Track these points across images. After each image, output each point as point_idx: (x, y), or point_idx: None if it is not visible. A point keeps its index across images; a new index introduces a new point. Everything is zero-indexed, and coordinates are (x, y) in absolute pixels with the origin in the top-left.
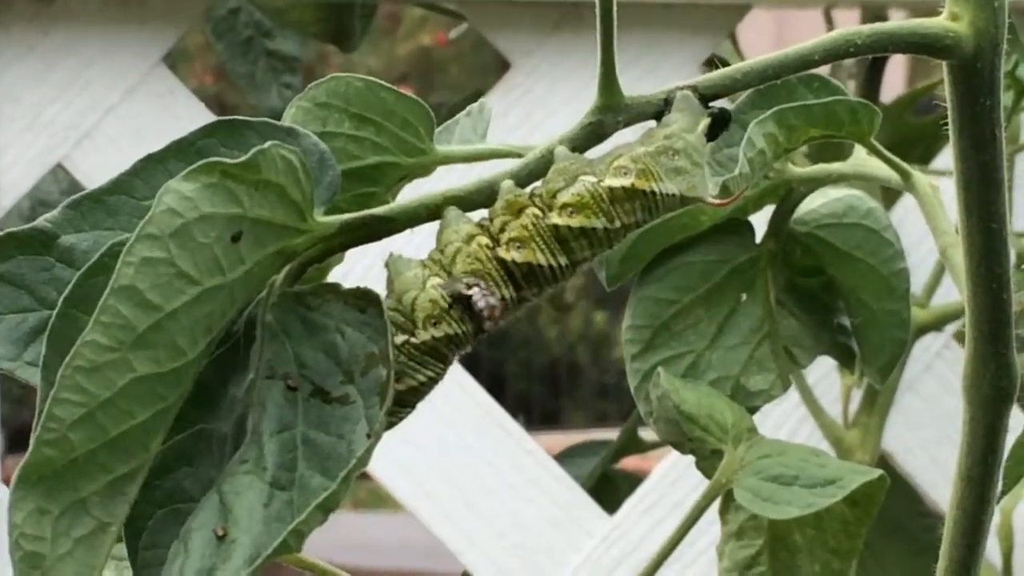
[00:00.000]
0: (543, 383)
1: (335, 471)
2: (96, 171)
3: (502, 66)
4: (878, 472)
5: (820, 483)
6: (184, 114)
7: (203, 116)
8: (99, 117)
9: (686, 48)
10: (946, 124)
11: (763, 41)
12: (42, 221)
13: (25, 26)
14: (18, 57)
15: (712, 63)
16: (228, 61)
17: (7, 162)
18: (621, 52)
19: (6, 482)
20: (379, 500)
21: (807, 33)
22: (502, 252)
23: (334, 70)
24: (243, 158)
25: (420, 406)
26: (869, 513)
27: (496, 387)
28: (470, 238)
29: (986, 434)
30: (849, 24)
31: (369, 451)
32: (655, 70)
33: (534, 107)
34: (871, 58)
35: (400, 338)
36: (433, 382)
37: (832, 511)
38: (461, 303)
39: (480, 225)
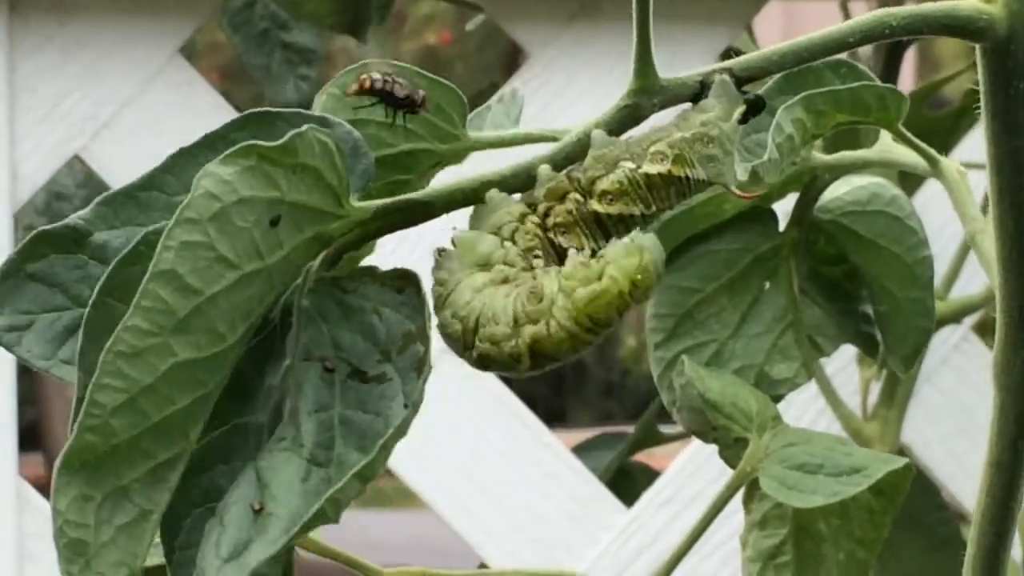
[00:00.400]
0: (548, 381)
1: (372, 446)
2: (114, 162)
3: (507, 65)
4: (903, 461)
5: (846, 471)
6: (202, 105)
7: (221, 107)
8: (116, 108)
9: (703, 39)
10: (966, 114)
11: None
12: (74, 218)
13: (42, 17)
14: (35, 48)
15: (729, 55)
16: (244, 53)
17: (24, 153)
18: None
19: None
20: (385, 499)
21: (815, 26)
22: (550, 236)
23: (338, 68)
24: (280, 141)
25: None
26: (894, 502)
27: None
28: (523, 217)
29: (1016, 420)
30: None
31: (407, 421)
32: (672, 61)
33: (552, 98)
34: (888, 50)
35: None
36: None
37: (857, 500)
38: None
39: (523, 210)
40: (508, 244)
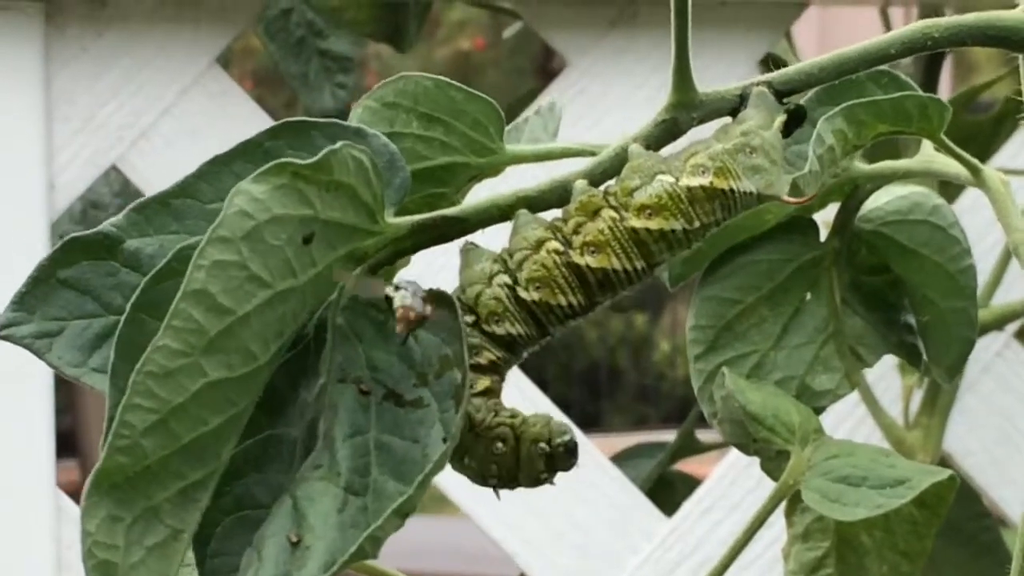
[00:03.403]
0: (583, 386)
1: (410, 475)
2: (151, 172)
3: (539, 70)
4: (947, 472)
5: (889, 484)
6: (238, 114)
7: (257, 116)
8: (154, 118)
9: (742, 47)
10: (1006, 120)
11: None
12: (107, 225)
13: (79, 28)
14: (73, 58)
15: (768, 61)
16: (281, 61)
17: (62, 163)
18: None
19: (64, 487)
20: (421, 505)
21: (849, 34)
22: (575, 257)
23: (371, 76)
24: (314, 159)
25: None
26: (938, 514)
27: None
28: (539, 244)
29: None
30: (897, 26)
31: (445, 455)
32: (711, 69)
33: (589, 107)
34: (928, 58)
35: (469, 318)
36: (495, 367)
37: (901, 512)
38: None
39: (553, 226)
40: (501, 277)
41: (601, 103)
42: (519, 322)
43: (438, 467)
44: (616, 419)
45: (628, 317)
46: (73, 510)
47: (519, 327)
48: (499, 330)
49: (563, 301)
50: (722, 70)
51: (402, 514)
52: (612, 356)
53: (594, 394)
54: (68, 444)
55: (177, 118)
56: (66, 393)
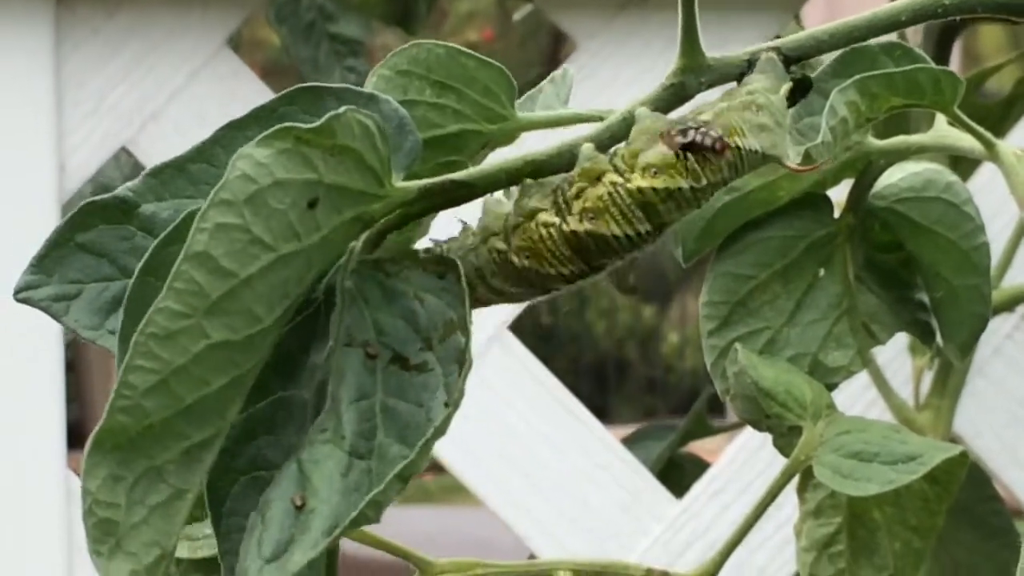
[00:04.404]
0: (590, 378)
1: (413, 439)
2: (161, 154)
3: (548, 62)
4: (959, 448)
5: (901, 459)
6: (249, 96)
7: (267, 98)
8: (164, 100)
9: (752, 28)
10: (1017, 103)
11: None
12: (123, 190)
13: (89, 9)
14: (83, 40)
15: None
16: (290, 46)
17: (72, 145)
18: None
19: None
20: (425, 495)
21: (856, 13)
22: (573, 223)
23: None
24: (317, 123)
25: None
26: (949, 491)
27: None
28: (532, 214)
29: None
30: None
31: (447, 420)
32: (720, 48)
33: (598, 89)
34: (937, 39)
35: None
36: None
37: (912, 488)
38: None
39: (556, 190)
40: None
41: (611, 86)
42: (512, 281)
43: (440, 431)
44: (624, 410)
45: (636, 309)
46: None
47: (512, 287)
48: (495, 283)
49: (552, 271)
50: (732, 50)
51: (404, 478)
52: (620, 348)
53: (602, 386)
54: (74, 435)
55: (187, 101)
56: (73, 384)
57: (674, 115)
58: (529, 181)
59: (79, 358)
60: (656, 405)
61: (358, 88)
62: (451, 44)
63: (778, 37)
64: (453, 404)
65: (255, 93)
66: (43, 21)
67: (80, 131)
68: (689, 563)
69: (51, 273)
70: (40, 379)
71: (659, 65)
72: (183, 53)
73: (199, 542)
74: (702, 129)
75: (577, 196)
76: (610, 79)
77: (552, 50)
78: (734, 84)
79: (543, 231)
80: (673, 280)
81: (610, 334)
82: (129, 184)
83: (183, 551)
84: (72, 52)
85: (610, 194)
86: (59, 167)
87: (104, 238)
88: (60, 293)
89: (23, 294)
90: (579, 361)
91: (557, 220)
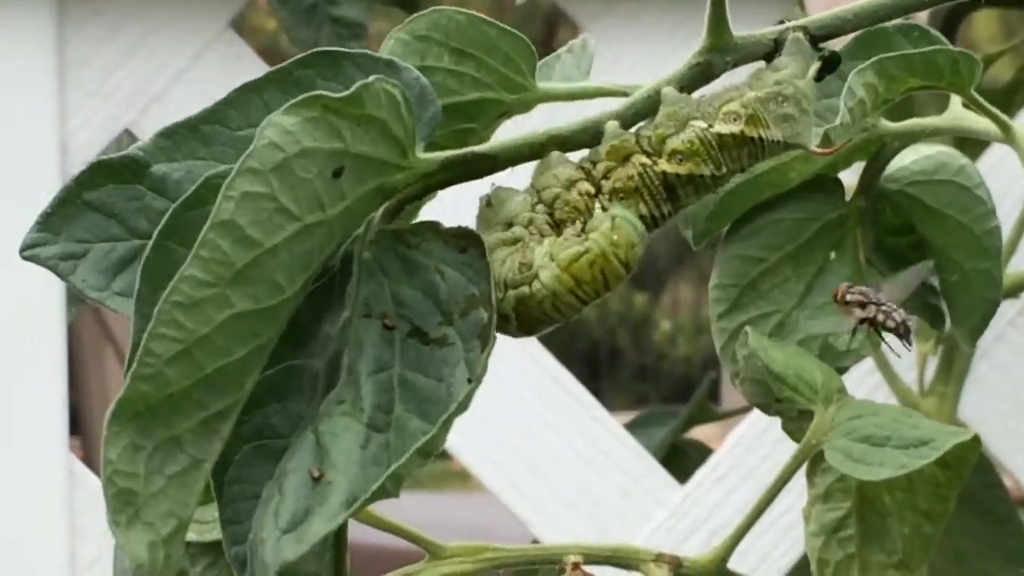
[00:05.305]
0: (583, 365)
1: (433, 414)
2: None
3: (541, 46)
4: (971, 433)
5: (913, 444)
6: (251, 78)
7: None
8: (167, 82)
9: (755, 13)
10: (1019, 91)
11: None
12: (134, 149)
13: None
14: (85, 22)
15: None
16: (291, 28)
17: (74, 127)
18: (693, 16)
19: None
20: (415, 482)
21: None
22: (604, 202)
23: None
24: (346, 92)
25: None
26: (960, 476)
27: None
28: (571, 184)
29: None
30: None
31: (469, 396)
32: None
33: (599, 73)
34: (943, 24)
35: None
36: None
37: (923, 473)
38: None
39: (581, 168)
40: (540, 207)
41: (613, 70)
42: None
43: (462, 407)
44: (616, 398)
45: (628, 296)
46: (87, 478)
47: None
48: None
49: None
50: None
51: (425, 453)
52: (612, 336)
53: (594, 373)
54: (71, 422)
55: (189, 82)
56: (69, 370)
57: (697, 94)
58: (555, 155)
59: (73, 343)
60: (648, 393)
61: (376, 54)
62: (472, 12)
63: (782, 22)
64: (476, 380)
65: (258, 74)
66: (45, 2)
67: (82, 113)
68: (693, 548)
69: (58, 231)
70: (42, 362)
71: (662, 49)
72: (186, 34)
73: (208, 525)
74: (884, 308)
75: (606, 176)
76: (613, 61)
77: (546, 36)
78: (760, 63)
79: (586, 201)
80: (665, 268)
81: (602, 322)
82: (140, 143)
83: (192, 535)
84: (74, 33)
85: (640, 175)
86: (61, 149)
87: (113, 197)
88: (67, 252)
89: (29, 251)
90: (571, 349)
91: (593, 191)
